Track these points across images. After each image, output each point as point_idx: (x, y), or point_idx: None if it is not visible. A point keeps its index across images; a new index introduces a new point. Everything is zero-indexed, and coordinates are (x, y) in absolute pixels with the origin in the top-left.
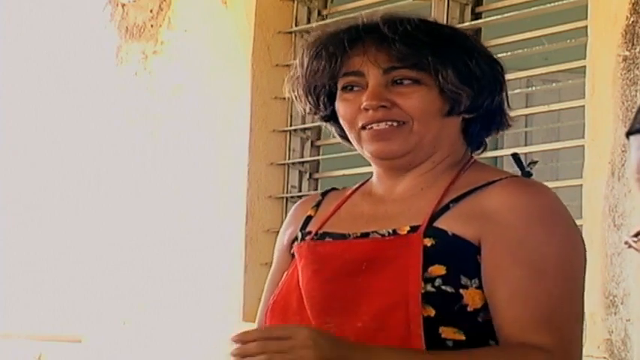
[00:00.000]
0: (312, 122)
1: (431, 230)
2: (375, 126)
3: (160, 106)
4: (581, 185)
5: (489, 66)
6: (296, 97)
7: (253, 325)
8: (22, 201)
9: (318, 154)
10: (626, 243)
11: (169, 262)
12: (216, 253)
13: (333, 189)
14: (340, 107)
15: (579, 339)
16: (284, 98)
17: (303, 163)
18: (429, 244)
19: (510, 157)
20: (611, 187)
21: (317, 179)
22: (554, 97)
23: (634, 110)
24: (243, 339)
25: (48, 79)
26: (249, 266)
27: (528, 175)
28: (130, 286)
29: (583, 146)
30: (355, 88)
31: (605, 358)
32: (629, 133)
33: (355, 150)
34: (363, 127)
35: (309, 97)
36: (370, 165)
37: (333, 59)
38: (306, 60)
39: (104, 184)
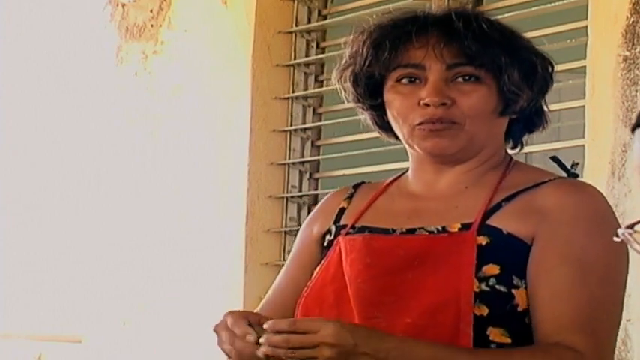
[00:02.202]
0: (312, 122)
1: (485, 228)
2: (432, 124)
3: (160, 106)
4: None
5: (545, 66)
6: (342, 85)
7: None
8: (22, 201)
9: (318, 154)
10: (617, 236)
11: (169, 262)
12: (216, 253)
13: (363, 183)
14: (394, 100)
15: (613, 344)
16: (284, 98)
17: (303, 163)
18: (483, 243)
19: (550, 160)
20: (611, 187)
21: (317, 179)
22: (554, 97)
23: (634, 110)
24: (272, 328)
25: (48, 79)
26: (249, 266)
27: (575, 176)
28: (130, 286)
29: (583, 146)
30: (412, 81)
31: None
32: (636, 126)
33: (355, 150)
34: (420, 124)
35: (358, 87)
36: (370, 165)
37: (394, 50)
38: (364, 48)
39: (104, 184)
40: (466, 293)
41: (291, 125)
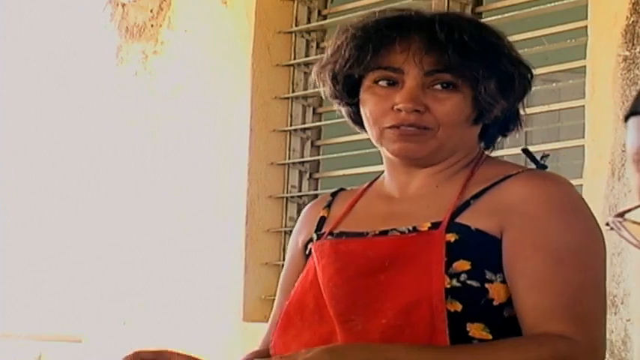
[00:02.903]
0: (312, 122)
1: (454, 226)
2: (402, 128)
3: (160, 106)
4: (581, 185)
5: (523, 74)
6: (320, 81)
7: (253, 326)
8: (22, 201)
9: (318, 154)
10: (607, 224)
11: (169, 262)
12: (216, 253)
13: (342, 189)
14: (369, 101)
15: (602, 328)
16: (284, 98)
17: (303, 163)
18: (452, 240)
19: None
20: (611, 187)
21: (317, 179)
22: (554, 97)
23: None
24: None
25: (48, 79)
26: (249, 266)
27: (544, 167)
28: (130, 286)
29: (583, 146)
30: (389, 84)
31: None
32: (630, 115)
33: (356, 150)
34: (390, 127)
35: (337, 84)
36: (370, 165)
37: (376, 53)
38: (346, 50)
39: (104, 184)
40: (437, 291)
41: (291, 125)
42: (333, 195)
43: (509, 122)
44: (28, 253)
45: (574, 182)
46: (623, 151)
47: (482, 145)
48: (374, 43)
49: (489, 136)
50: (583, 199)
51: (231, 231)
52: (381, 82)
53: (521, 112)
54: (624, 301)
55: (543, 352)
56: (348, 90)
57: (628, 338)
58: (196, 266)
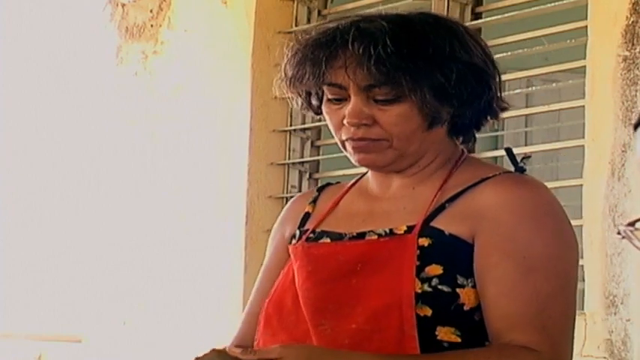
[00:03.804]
0: (312, 122)
1: (427, 230)
2: (356, 142)
3: (160, 106)
4: (581, 185)
5: (474, 72)
6: (288, 96)
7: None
8: (22, 201)
9: (318, 154)
10: (619, 233)
11: (169, 262)
12: (216, 253)
13: (329, 184)
14: (326, 115)
15: (569, 338)
16: (284, 98)
17: (303, 163)
18: (425, 244)
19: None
20: (611, 187)
21: (317, 179)
22: (554, 97)
23: (634, 110)
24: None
25: (48, 79)
26: (249, 266)
27: (522, 170)
28: (130, 286)
29: (583, 146)
30: (338, 99)
31: (605, 358)
32: (638, 125)
33: None
34: (346, 139)
35: (299, 98)
36: None
37: (316, 69)
38: (289, 67)
39: (104, 184)
40: (408, 295)
41: (290, 125)
42: (320, 190)
43: (480, 115)
44: (28, 253)
45: (574, 182)
46: (623, 151)
47: (460, 139)
48: (312, 61)
49: (462, 132)
50: (558, 203)
51: (231, 231)
52: (330, 97)
53: (496, 103)
54: (624, 301)
55: None
56: (318, 100)
57: (628, 338)
58: (196, 266)
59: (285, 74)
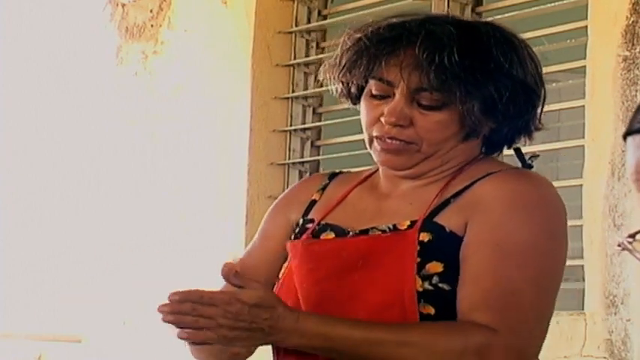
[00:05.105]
0: (312, 122)
1: (430, 225)
2: (385, 141)
3: (160, 106)
4: (581, 185)
5: (525, 91)
6: (330, 79)
7: None
8: (22, 201)
9: (318, 154)
10: (619, 245)
11: (169, 262)
12: (216, 253)
13: (341, 172)
14: (363, 108)
15: (536, 330)
16: (284, 98)
17: (303, 163)
18: (426, 240)
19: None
20: (611, 187)
21: None
22: (554, 97)
23: (634, 110)
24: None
25: (48, 79)
26: None
27: (529, 167)
28: (130, 286)
29: (583, 146)
30: (382, 95)
31: (605, 358)
32: (627, 134)
33: (356, 150)
34: (377, 137)
35: (341, 85)
36: (370, 165)
37: (372, 63)
38: (346, 54)
39: (104, 184)
40: (409, 292)
41: (291, 125)
42: (331, 178)
43: (514, 135)
44: (28, 253)
45: (574, 182)
46: (623, 151)
47: (483, 149)
48: (371, 54)
49: (495, 147)
50: (558, 200)
51: (231, 231)
52: (374, 92)
53: (533, 122)
54: (624, 301)
55: (457, 339)
56: (352, 95)
57: (628, 338)
58: (196, 266)
59: (340, 61)
